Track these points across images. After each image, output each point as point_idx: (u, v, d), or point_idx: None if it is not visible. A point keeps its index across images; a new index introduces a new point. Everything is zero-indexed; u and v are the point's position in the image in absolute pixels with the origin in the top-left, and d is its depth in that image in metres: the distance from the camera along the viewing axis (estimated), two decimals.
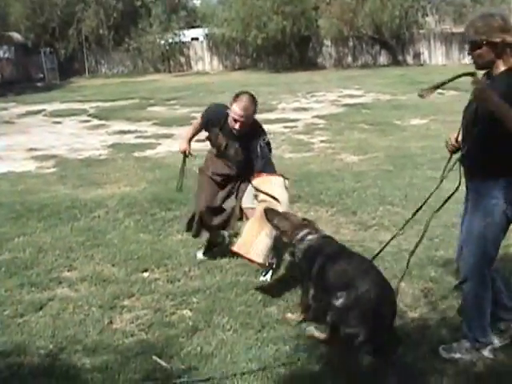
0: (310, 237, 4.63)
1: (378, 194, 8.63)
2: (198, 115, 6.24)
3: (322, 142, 12.96)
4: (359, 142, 12.97)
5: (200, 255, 6.24)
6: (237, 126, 5.25)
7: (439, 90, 16.78)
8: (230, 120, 5.33)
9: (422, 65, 38.86)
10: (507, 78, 3.71)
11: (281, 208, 5.05)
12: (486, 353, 4.04)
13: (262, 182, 5.33)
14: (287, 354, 4.30)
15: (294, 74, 32.18)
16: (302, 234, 4.65)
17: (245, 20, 35.77)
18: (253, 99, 5.43)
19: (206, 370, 4.13)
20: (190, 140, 6.18)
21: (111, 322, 4.97)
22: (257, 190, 5.30)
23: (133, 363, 4.25)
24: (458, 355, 4.06)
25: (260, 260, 5.14)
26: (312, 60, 39.19)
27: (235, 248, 5.27)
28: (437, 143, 12.34)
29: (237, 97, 5.31)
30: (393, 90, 23.05)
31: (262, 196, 5.22)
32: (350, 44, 38.95)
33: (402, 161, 10.80)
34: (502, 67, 3.78)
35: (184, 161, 6.41)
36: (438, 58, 40.10)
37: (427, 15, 40.17)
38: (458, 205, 7.88)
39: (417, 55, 40.07)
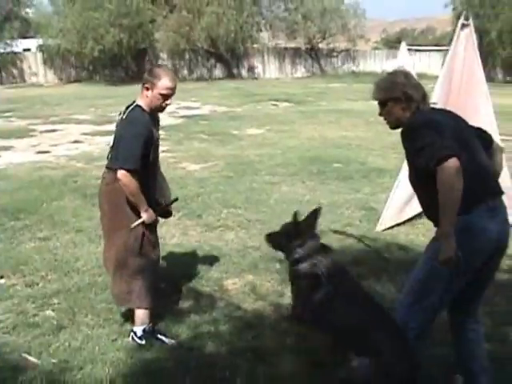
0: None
1: (222, 198, 9.18)
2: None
3: (163, 151, 13.23)
4: (199, 151, 13.48)
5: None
6: (169, 101, 4.58)
7: (273, 102, 17.95)
8: (156, 101, 4.53)
9: (256, 78, 40.34)
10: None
11: None
12: None
13: None
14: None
15: (131, 86, 31.97)
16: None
17: (81, 31, 35.13)
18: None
19: (77, 362, 4.38)
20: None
21: None
22: None
23: (2, 363, 4.38)
24: None
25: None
26: None
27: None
28: (273, 151, 13.18)
29: (155, 72, 4.54)
30: (229, 102, 23.87)
31: None
32: (186, 57, 39.53)
33: (241, 167, 11.45)
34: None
35: None
36: (271, 71, 41.87)
37: (261, 30, 41.79)
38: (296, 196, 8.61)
39: (251, 69, 41.53)
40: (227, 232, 7.60)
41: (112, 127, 4.82)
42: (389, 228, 7.64)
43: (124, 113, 4.61)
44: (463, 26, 7.11)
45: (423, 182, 3.57)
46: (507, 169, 7.17)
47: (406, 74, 3.77)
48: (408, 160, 3.72)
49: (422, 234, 7.21)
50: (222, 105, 23.20)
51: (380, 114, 3.86)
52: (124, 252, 4.59)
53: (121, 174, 4.38)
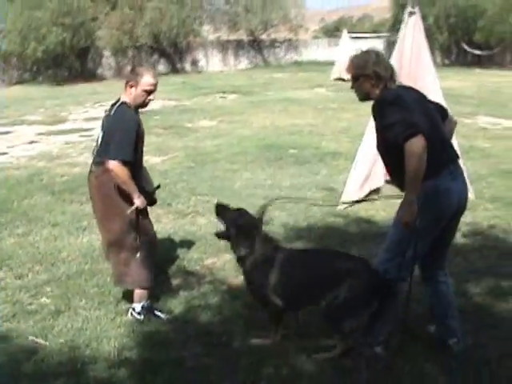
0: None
1: (187, 186, 9.61)
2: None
3: None
4: (157, 144, 13.72)
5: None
6: (152, 96, 4.95)
7: (221, 94, 18.39)
8: (140, 98, 4.90)
9: (199, 72, 40.51)
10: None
11: None
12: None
13: None
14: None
15: (76, 85, 32.07)
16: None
17: (22, 32, 34.21)
18: None
19: (82, 340, 4.73)
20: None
21: None
22: None
23: (13, 347, 4.67)
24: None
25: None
26: (92, 71, 38.95)
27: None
28: (229, 141, 13.59)
29: (138, 70, 4.93)
30: (178, 96, 24.02)
31: None
32: (130, 54, 39.30)
33: (201, 158, 11.86)
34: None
35: None
36: (215, 64, 42.06)
37: (203, 24, 41.88)
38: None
39: (194, 62, 41.67)
40: (198, 218, 8.01)
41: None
42: (350, 205, 8.15)
43: (110, 110, 4.98)
44: (410, 13, 7.65)
45: (391, 152, 4.05)
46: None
47: (378, 54, 4.23)
48: (377, 131, 4.19)
49: (382, 209, 7.75)
50: (172, 99, 23.34)
51: (352, 87, 4.32)
52: (121, 235, 4.93)
53: (113, 164, 4.70)
